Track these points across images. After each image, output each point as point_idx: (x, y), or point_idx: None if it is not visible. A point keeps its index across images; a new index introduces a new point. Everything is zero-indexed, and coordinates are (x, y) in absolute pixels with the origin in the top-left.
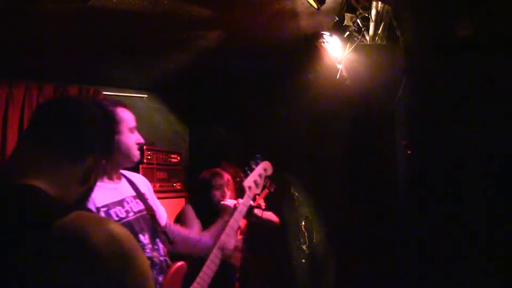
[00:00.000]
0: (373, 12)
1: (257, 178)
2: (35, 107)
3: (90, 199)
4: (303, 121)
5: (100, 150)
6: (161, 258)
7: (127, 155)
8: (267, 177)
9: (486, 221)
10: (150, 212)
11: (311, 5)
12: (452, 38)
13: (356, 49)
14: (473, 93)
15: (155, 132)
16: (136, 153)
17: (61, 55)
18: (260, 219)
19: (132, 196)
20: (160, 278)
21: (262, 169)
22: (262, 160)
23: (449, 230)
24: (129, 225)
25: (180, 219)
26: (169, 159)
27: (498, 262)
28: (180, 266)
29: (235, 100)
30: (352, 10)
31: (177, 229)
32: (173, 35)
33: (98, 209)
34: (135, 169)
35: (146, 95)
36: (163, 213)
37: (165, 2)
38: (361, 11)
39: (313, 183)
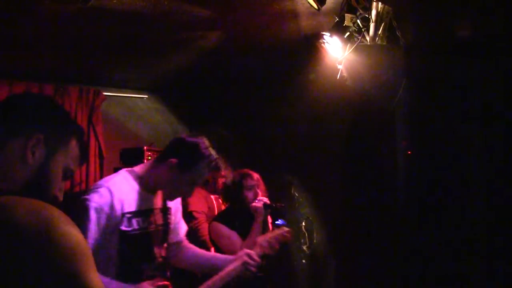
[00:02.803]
0: (374, 12)
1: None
2: None
3: (119, 203)
4: (303, 121)
5: (35, 127)
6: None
7: None
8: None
9: (486, 220)
10: (165, 227)
11: (311, 5)
12: (452, 38)
13: (356, 50)
14: (473, 93)
15: (155, 132)
16: None
17: (61, 55)
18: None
19: (159, 209)
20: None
21: (280, 234)
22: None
23: (449, 230)
24: (147, 235)
25: (212, 238)
26: None
27: (498, 263)
28: (162, 286)
29: (235, 100)
30: (352, 10)
31: (192, 248)
32: (174, 35)
33: (123, 214)
34: None
35: (146, 96)
36: (181, 229)
37: (165, 3)
38: (361, 11)
39: (313, 184)
